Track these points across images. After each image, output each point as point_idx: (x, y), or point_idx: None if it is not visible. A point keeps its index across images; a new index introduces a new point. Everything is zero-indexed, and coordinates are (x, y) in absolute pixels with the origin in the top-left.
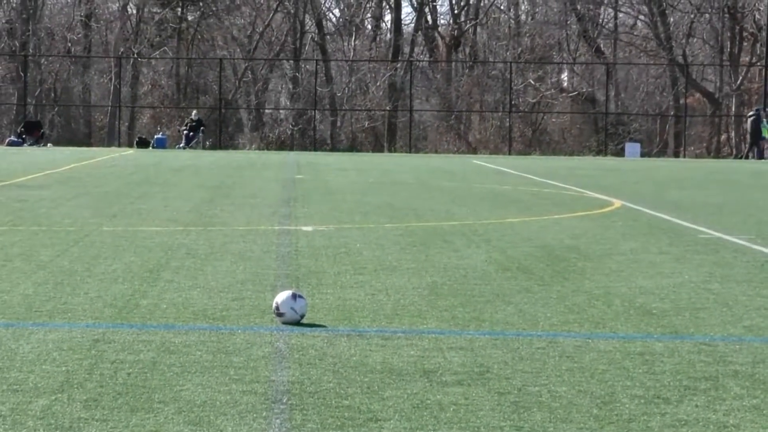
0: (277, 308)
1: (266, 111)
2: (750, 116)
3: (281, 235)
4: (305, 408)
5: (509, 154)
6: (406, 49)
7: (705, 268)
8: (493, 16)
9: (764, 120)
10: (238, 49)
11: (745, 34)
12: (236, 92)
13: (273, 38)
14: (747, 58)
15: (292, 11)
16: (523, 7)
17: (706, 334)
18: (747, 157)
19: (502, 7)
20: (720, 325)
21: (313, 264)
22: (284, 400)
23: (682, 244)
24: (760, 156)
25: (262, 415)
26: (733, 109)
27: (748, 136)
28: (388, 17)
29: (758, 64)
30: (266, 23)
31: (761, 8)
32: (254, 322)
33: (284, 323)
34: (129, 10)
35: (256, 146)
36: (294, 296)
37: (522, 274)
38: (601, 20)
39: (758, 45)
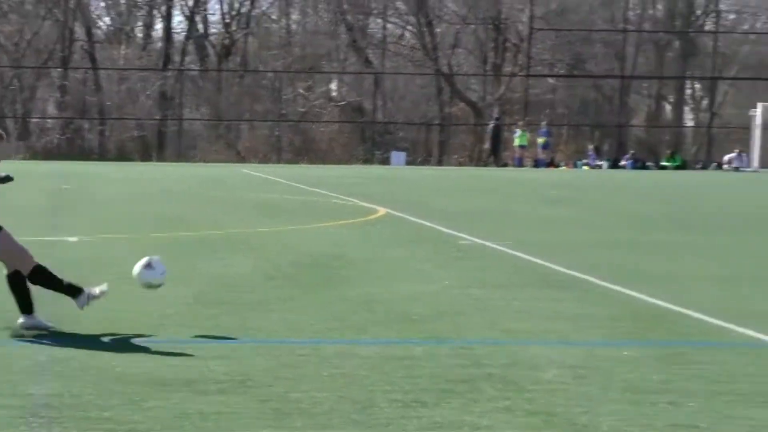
0: (150, 265)
1: (33, 120)
2: (491, 124)
3: (45, 247)
4: (64, 421)
5: (278, 163)
6: (177, 58)
7: (466, 273)
8: (264, 25)
9: (518, 131)
10: (5, 57)
11: (507, 45)
12: (2, 101)
13: (42, 46)
14: (509, 69)
15: (62, 19)
16: (294, 17)
17: (465, 338)
18: (496, 164)
19: (273, 17)
20: (478, 329)
21: (77, 275)
22: (42, 414)
23: (445, 250)
24: (519, 164)
25: (19, 429)
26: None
27: (488, 144)
28: (159, 26)
29: (520, 74)
30: (35, 31)
31: (524, 20)
32: (12, 335)
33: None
34: None
35: (23, 156)
36: (149, 264)
37: (287, 282)
38: (370, 30)
39: (520, 56)
